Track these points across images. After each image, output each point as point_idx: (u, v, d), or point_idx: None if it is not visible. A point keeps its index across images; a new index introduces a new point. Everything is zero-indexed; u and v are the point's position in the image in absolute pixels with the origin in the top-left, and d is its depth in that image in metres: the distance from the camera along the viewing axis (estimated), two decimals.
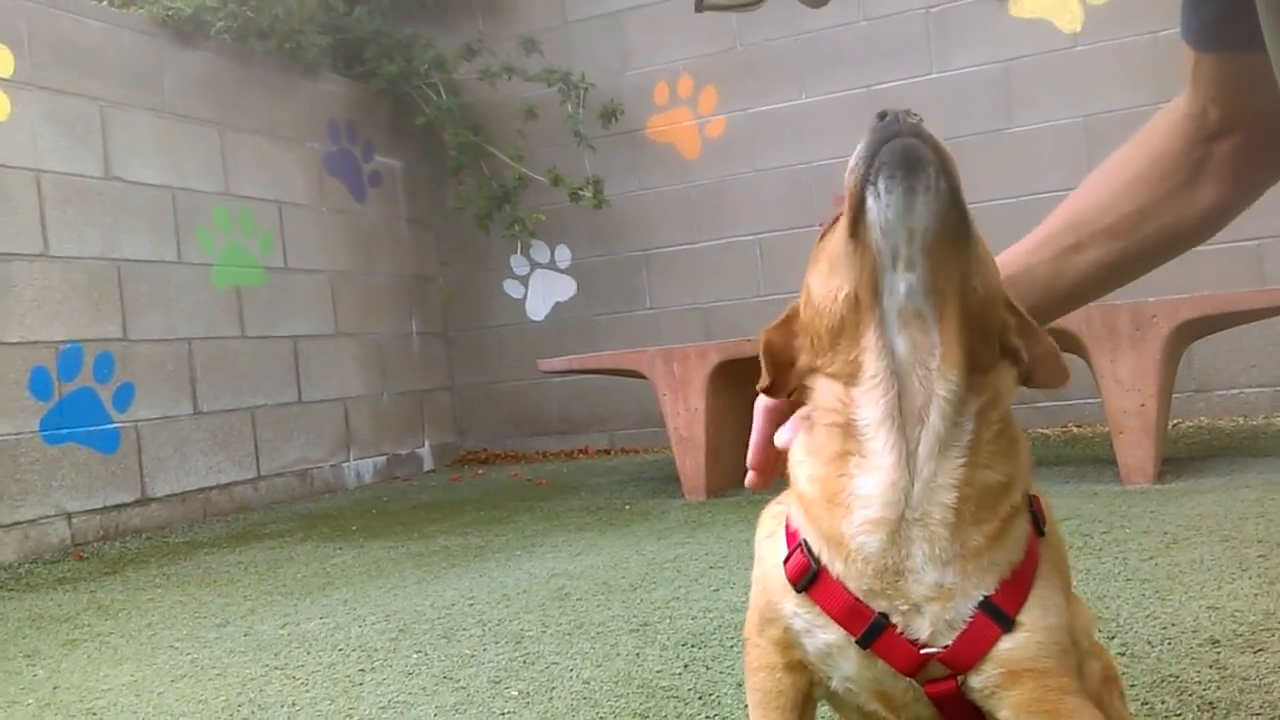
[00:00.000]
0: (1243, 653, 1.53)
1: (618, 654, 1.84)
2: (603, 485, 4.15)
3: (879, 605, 0.81)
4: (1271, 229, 4.14)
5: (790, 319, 0.91)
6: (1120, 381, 3.00)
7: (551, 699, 1.64)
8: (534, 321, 5.55)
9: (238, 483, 4.33)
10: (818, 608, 0.83)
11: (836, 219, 0.85)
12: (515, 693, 1.69)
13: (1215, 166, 1.06)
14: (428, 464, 5.45)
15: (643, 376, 3.77)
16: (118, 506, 3.83)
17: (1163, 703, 1.38)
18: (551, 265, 5.50)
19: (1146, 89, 4.19)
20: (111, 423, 3.84)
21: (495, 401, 5.66)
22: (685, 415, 3.58)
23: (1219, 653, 1.54)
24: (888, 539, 0.80)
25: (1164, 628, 1.68)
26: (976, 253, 0.81)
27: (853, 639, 0.82)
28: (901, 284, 0.78)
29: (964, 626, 0.79)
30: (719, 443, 3.63)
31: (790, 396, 0.91)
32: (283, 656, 2.05)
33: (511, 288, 5.58)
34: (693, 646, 1.84)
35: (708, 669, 1.71)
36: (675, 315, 5.22)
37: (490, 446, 5.67)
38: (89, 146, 3.87)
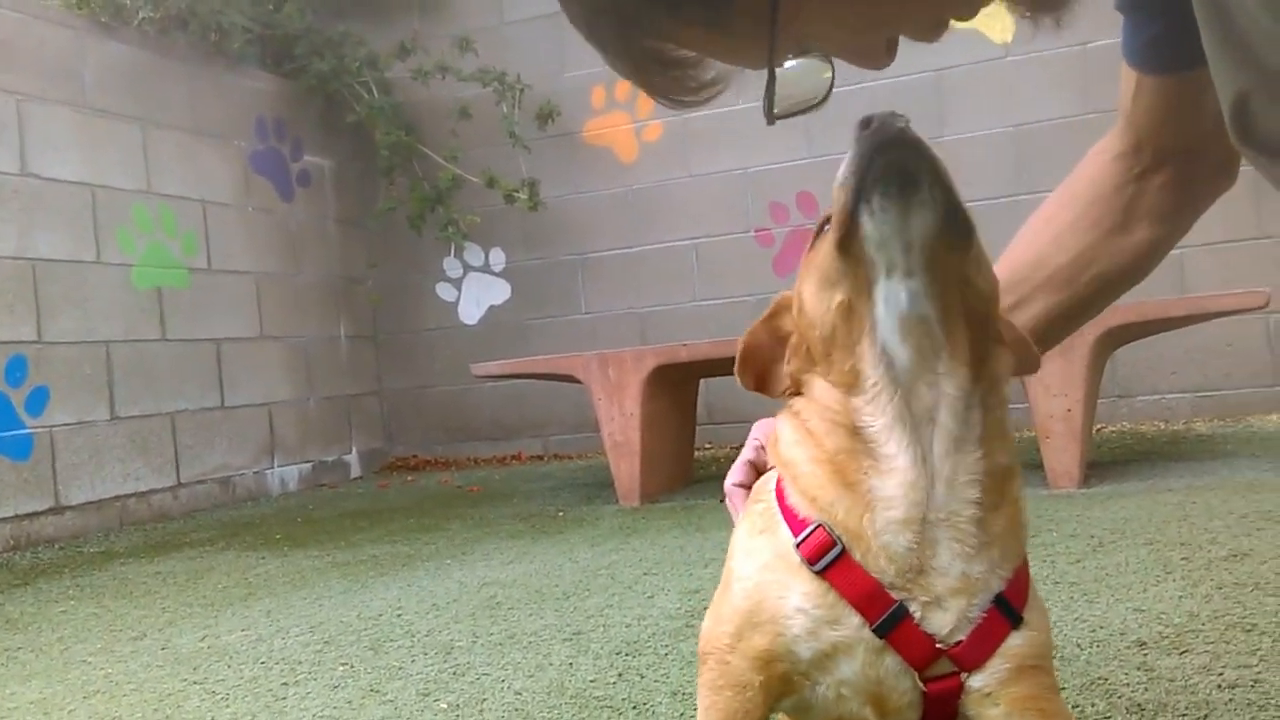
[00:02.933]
0: (1169, 654, 1.55)
1: (550, 664, 1.81)
2: (536, 492, 4.11)
3: (899, 596, 0.79)
4: (1192, 240, 4.23)
5: (775, 314, 0.91)
6: (1048, 387, 3.05)
7: (482, 711, 1.60)
8: (467, 325, 5.48)
9: (156, 490, 4.19)
10: (833, 594, 0.80)
11: (823, 226, 0.85)
12: (445, 705, 1.65)
13: (1146, 205, 1.08)
14: (355, 471, 5.35)
15: (578, 381, 3.73)
16: (29, 515, 3.68)
17: (1092, 705, 1.39)
18: (485, 268, 5.44)
19: (1075, 99, 4.28)
20: (24, 428, 3.69)
21: (426, 407, 5.58)
22: (620, 420, 3.56)
23: (1146, 654, 1.56)
24: (914, 538, 0.79)
25: (1092, 630, 1.70)
26: (977, 251, 0.81)
27: (866, 630, 0.79)
28: (903, 291, 0.78)
29: (978, 622, 0.79)
30: (654, 448, 3.61)
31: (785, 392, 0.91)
32: (202, 670, 1.97)
33: (444, 291, 5.51)
34: (627, 655, 1.81)
35: (642, 678, 1.69)
36: (611, 320, 5.19)
37: (420, 453, 5.58)
38: (3, 141, 3.72)
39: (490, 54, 5.11)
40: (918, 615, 0.79)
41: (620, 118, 5.15)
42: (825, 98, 0.77)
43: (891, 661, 0.80)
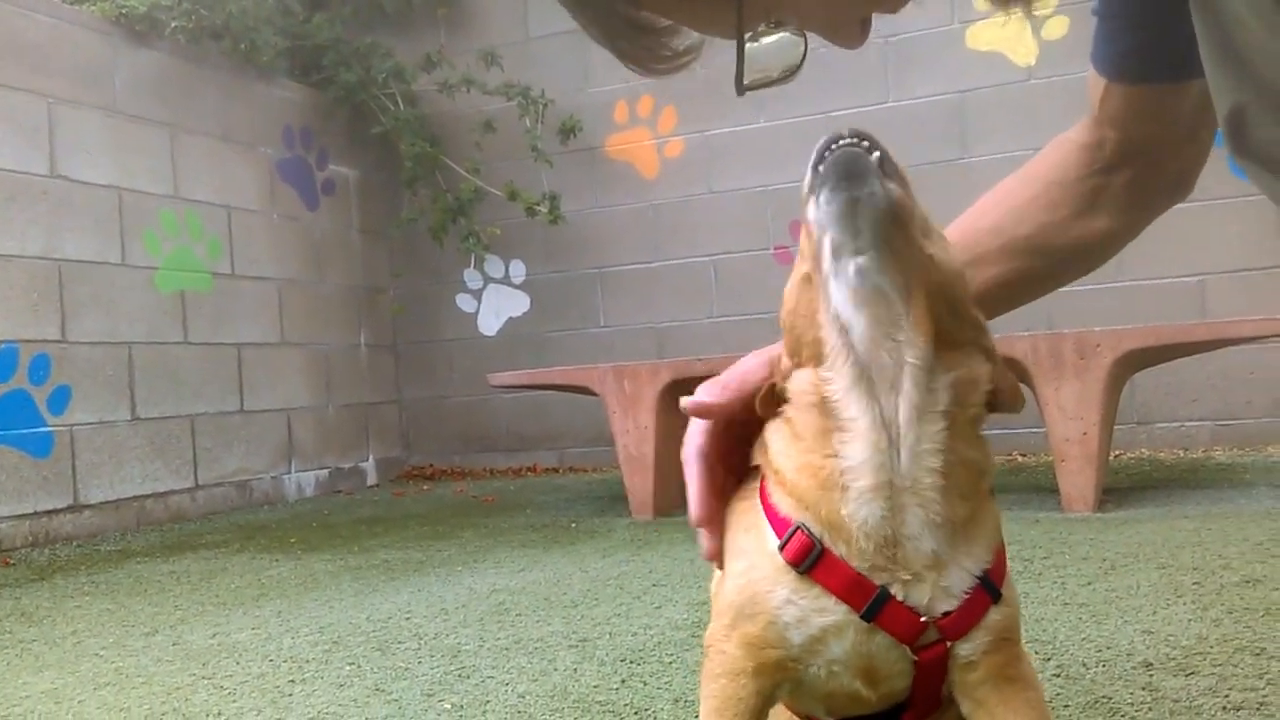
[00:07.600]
0: (1175, 675, 1.54)
1: (555, 669, 1.81)
2: (549, 503, 4.12)
3: (880, 579, 0.83)
4: (1212, 265, 4.23)
5: (771, 371, 0.93)
6: (1063, 409, 3.04)
7: (485, 713, 1.61)
8: (485, 336, 5.51)
9: (174, 492, 4.23)
10: (818, 588, 0.84)
11: None
12: (448, 705, 1.66)
13: (1108, 198, 1.09)
14: (371, 478, 5.38)
15: (593, 393, 3.75)
16: (48, 512, 3.72)
17: None
18: (505, 280, 5.47)
19: None
20: (45, 426, 3.74)
21: (443, 416, 5.60)
22: (635, 433, 3.57)
23: (1152, 675, 1.55)
24: (886, 506, 0.82)
25: (1099, 650, 1.69)
26: (926, 229, 0.84)
27: (854, 615, 0.83)
28: (851, 266, 0.81)
29: (963, 597, 0.84)
30: (668, 462, 3.61)
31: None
32: (211, 666, 1.99)
33: (464, 302, 5.54)
34: (631, 662, 1.82)
35: (645, 685, 1.69)
36: (629, 334, 5.21)
37: (436, 462, 5.61)
38: (34, 144, 3.79)
39: (515, 68, 5.16)
40: (900, 594, 0.84)
41: (642, 133, 5.18)
42: (796, 71, 0.79)
43: (882, 638, 0.84)
